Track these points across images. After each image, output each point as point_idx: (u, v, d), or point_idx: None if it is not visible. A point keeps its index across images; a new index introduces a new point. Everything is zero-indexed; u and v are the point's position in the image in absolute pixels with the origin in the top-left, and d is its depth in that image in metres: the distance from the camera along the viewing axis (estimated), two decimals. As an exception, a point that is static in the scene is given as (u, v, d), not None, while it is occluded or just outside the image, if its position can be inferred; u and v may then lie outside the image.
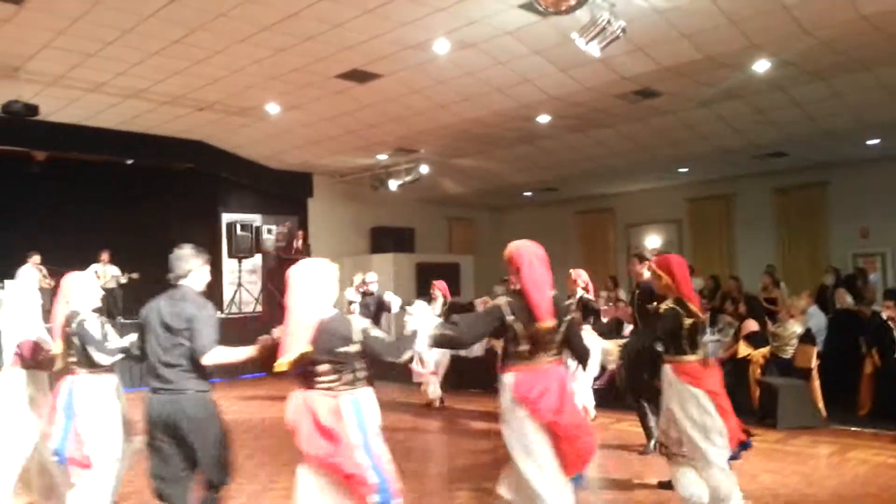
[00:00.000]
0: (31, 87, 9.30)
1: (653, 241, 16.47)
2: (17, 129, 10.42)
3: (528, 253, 3.79)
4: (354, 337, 3.27)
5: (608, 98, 9.78)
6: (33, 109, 9.24)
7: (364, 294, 9.09)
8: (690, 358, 4.34)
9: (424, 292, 10.55)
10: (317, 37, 7.98)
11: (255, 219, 14.12)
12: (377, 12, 7.37)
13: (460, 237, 18.80)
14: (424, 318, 3.49)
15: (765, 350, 8.03)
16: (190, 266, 3.94)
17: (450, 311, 8.41)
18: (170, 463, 3.76)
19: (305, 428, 3.23)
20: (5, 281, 10.22)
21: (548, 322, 3.60)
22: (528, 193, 17.03)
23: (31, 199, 12.29)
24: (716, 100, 9.90)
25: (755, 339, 8.16)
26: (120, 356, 4.35)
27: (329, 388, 3.26)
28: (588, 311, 7.14)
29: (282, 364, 3.25)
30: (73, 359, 4.34)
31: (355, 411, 3.26)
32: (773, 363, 8.01)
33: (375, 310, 9.03)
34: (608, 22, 6.58)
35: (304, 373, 3.31)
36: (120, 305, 11.86)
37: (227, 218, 13.92)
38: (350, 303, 9.19)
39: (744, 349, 8.09)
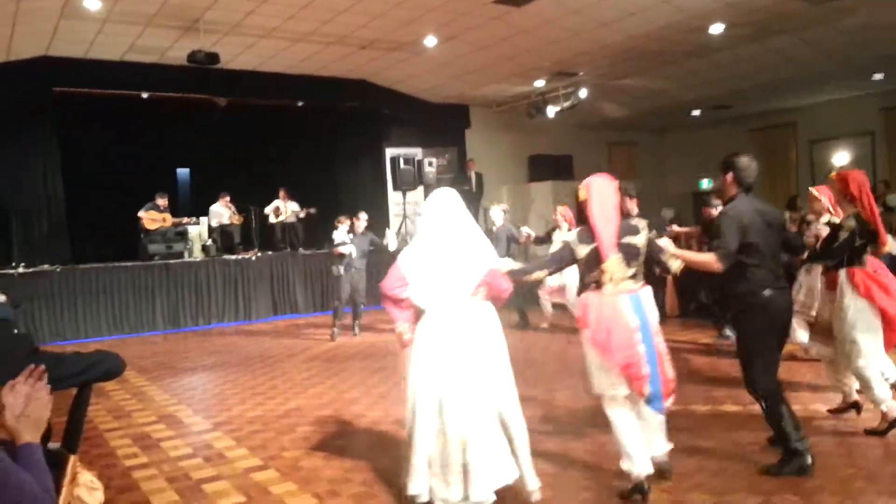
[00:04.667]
0: (210, 36, 9.98)
1: (841, 157, 15.01)
2: (200, 78, 11.29)
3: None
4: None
5: (790, 0, 8.86)
6: (214, 57, 9.90)
7: (354, 234, 9.20)
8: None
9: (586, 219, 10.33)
10: (474, -39, 7.87)
11: (417, 152, 14.43)
12: (536, -72, 7.11)
13: (621, 162, 18.15)
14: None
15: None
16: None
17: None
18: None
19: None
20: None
21: None
22: (697, 112, 16.02)
23: (216, 143, 13.36)
24: (922, -9, 8.69)
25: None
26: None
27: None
28: None
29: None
30: (631, 272, 3.60)
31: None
32: None
33: (369, 248, 9.17)
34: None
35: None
36: (301, 238, 12.73)
37: (390, 153, 14.34)
38: (340, 244, 9.15)
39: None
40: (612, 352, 3.47)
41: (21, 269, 10.02)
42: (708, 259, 3.75)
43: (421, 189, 14.42)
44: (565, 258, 3.77)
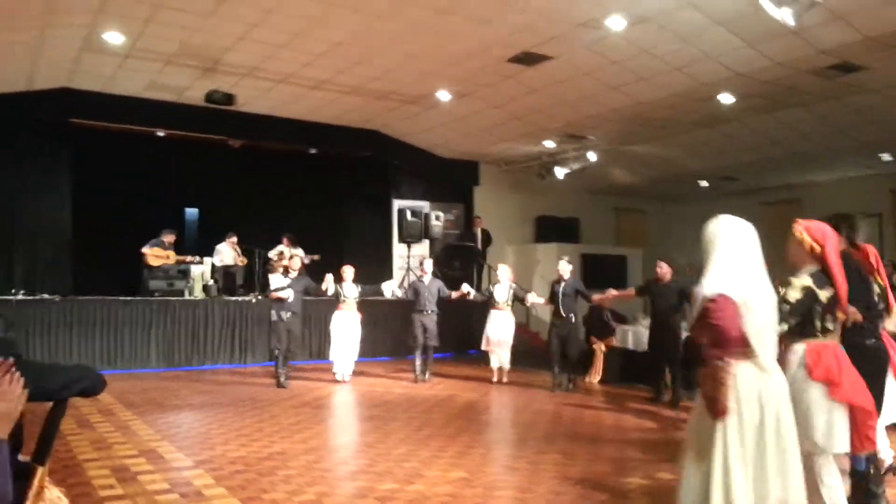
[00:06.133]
0: (229, 78, 10.17)
1: (847, 236, 14.98)
2: (217, 118, 11.48)
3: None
4: None
5: (801, 74, 8.99)
6: (231, 98, 10.07)
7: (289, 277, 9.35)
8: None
9: (591, 285, 10.04)
10: (492, 20, 8.03)
11: (424, 206, 14.51)
12: (552, -10, 7.28)
13: (628, 229, 18.23)
14: None
15: None
16: None
17: None
18: None
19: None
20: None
21: None
22: (704, 183, 16.12)
23: (227, 184, 13.47)
24: (931, 73, 8.79)
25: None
26: None
27: None
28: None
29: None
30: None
31: None
32: None
33: (303, 293, 9.31)
34: (807, -15, 6.04)
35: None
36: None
37: (397, 204, 14.42)
38: (278, 288, 9.18)
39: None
40: (869, 401, 3.41)
41: (20, 296, 9.96)
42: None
43: (426, 242, 14.43)
44: (809, 305, 3.49)
